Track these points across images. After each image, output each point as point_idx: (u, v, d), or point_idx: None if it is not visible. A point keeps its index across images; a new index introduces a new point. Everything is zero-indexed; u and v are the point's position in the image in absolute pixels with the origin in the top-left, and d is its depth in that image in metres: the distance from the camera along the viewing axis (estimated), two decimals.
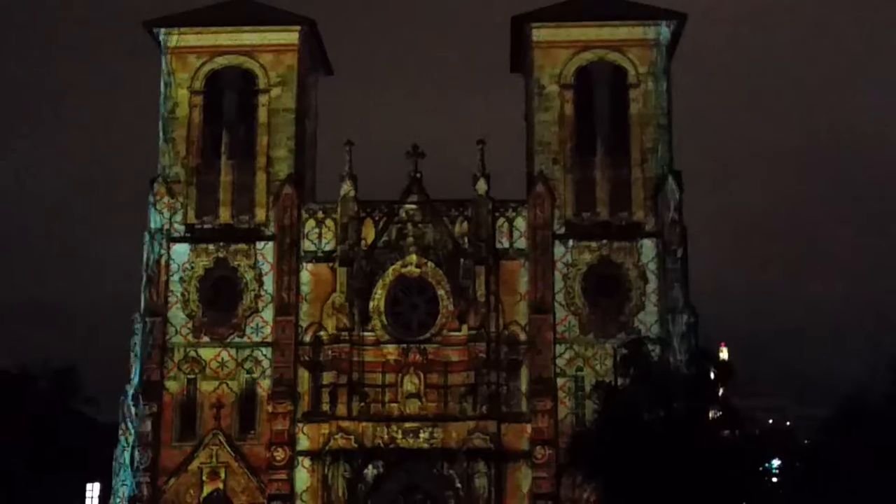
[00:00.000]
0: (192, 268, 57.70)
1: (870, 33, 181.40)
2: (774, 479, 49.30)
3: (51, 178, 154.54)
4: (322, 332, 56.41)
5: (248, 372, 56.71)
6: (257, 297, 57.30)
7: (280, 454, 54.72)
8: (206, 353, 56.86)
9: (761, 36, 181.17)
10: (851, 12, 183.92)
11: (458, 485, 53.69)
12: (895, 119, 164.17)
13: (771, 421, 64.88)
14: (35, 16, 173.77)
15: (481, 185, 57.25)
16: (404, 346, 55.80)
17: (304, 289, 57.11)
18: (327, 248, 57.58)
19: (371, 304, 56.19)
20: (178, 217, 58.28)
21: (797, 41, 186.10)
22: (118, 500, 55.06)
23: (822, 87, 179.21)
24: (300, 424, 55.43)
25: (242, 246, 58.00)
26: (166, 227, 57.83)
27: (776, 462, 49.07)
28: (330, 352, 55.75)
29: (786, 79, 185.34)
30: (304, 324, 56.69)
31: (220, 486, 55.12)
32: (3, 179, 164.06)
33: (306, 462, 55.01)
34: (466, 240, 56.85)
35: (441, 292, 56.38)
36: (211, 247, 58.03)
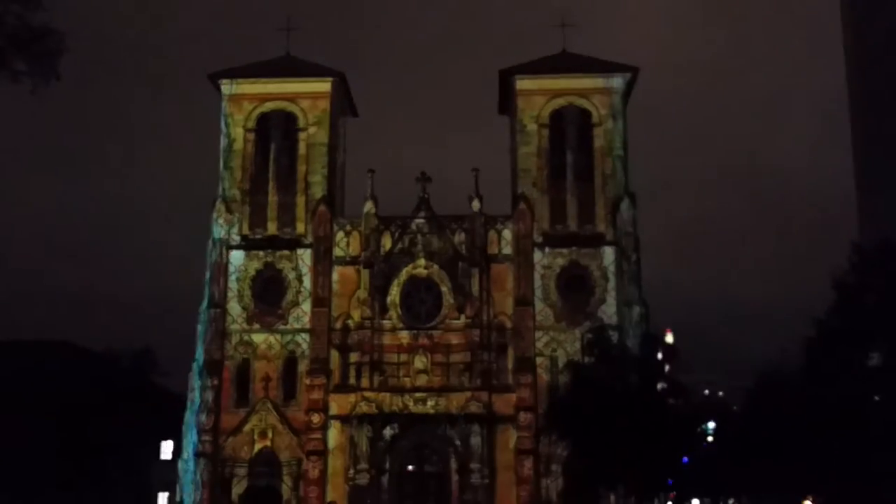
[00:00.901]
0: (246, 269, 57.74)
1: (781, 84, 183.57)
2: (710, 438, 49.38)
3: (137, 193, 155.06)
4: (349, 321, 56.43)
5: (291, 352, 56.73)
6: (298, 293, 57.33)
7: (316, 418, 54.72)
8: (257, 338, 56.87)
9: (703, 82, 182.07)
10: (769, 70, 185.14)
11: (458, 443, 53.67)
12: (798, 152, 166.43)
13: (707, 392, 65.04)
14: (123, 62, 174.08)
15: (475, 204, 57.26)
16: (415, 331, 55.83)
17: (335, 286, 57.11)
18: (353, 253, 57.59)
19: (388, 299, 56.24)
20: (235, 229, 58.35)
21: (727, 89, 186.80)
22: (187, 455, 55.10)
23: (742, 126, 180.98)
24: (332, 394, 55.42)
25: (286, 252, 58.05)
26: (225, 237, 57.91)
27: (711, 424, 49.14)
28: (356, 336, 55.81)
29: (716, 117, 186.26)
30: (335, 314, 56.67)
31: (269, 443, 55.11)
32: (98, 188, 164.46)
33: (337, 424, 54.98)
34: (464, 247, 56.93)
35: (444, 289, 56.42)
36: (261, 253, 58.07)
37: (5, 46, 19.20)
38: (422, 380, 54.99)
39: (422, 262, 56.70)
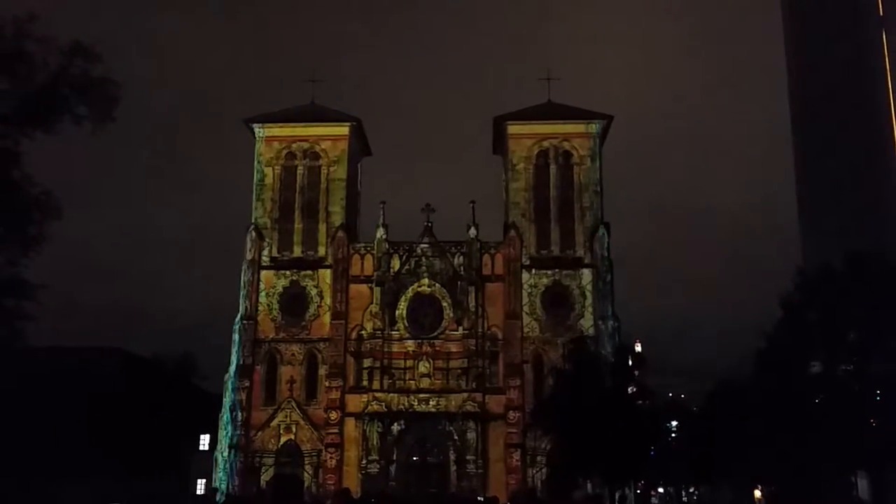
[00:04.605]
0: (275, 287, 57.61)
1: (737, 126, 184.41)
2: (674, 434, 49.03)
3: (172, 220, 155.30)
4: (363, 331, 56.21)
5: (312, 359, 56.50)
6: (319, 307, 57.15)
7: (334, 415, 54.46)
8: (284, 346, 56.66)
9: (671, 125, 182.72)
10: (726, 114, 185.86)
11: (456, 437, 53.42)
12: (750, 187, 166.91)
13: (671, 394, 64.47)
14: (166, 108, 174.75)
15: (472, 232, 57.26)
16: (419, 341, 55.62)
17: (351, 301, 56.94)
18: (367, 273, 57.44)
19: (397, 312, 56.10)
20: (266, 252, 58.28)
21: (691, 131, 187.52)
22: (222, 446, 54.76)
23: (703, 162, 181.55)
24: (347, 395, 55.12)
25: (309, 272, 57.91)
26: (257, 259, 57.85)
27: (674, 422, 48.82)
28: (368, 345, 55.60)
29: (682, 155, 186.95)
30: (350, 325, 56.45)
31: (292, 437, 54.82)
32: (145, 218, 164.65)
33: (351, 421, 54.68)
34: (462, 268, 56.83)
35: (445, 304, 56.28)
36: (287, 272, 57.94)
37: (69, 94, 19.30)
38: (425, 382, 54.76)
39: (426, 281, 56.60)
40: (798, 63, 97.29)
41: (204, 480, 60.67)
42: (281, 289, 57.49)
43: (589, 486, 47.58)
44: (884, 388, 34.00)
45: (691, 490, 64.55)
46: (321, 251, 58.27)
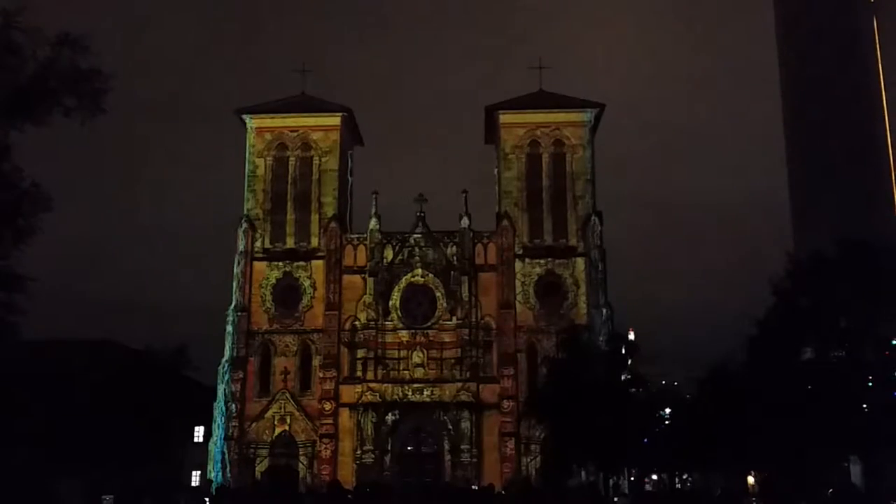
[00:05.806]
0: (268, 278, 57.59)
1: (728, 116, 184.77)
2: (667, 422, 49.12)
3: (172, 212, 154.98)
4: (357, 322, 56.28)
5: (306, 350, 56.54)
6: (312, 298, 57.17)
7: (328, 406, 54.55)
8: (277, 337, 56.67)
9: (652, 119, 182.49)
10: (718, 103, 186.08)
11: (450, 427, 53.53)
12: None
13: (664, 382, 64.53)
14: (158, 100, 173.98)
15: (465, 221, 57.29)
16: (413, 331, 55.72)
17: (344, 292, 56.98)
18: (360, 264, 57.47)
19: (390, 303, 56.13)
20: (258, 243, 58.25)
21: (671, 127, 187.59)
22: (216, 438, 54.80)
23: (697, 151, 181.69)
24: (342, 385, 55.26)
25: (302, 263, 57.92)
26: (249, 250, 57.80)
27: (668, 410, 48.91)
28: (362, 335, 55.65)
29: (675, 144, 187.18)
30: (344, 316, 56.53)
31: (287, 428, 54.94)
32: (138, 210, 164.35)
33: (346, 411, 54.80)
34: (455, 258, 56.86)
35: (438, 294, 56.33)
36: (280, 263, 57.94)
37: (58, 86, 19.18)
38: (419, 373, 54.86)
39: (419, 271, 56.63)
40: (790, 51, 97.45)
41: (199, 472, 60.67)
42: (274, 280, 57.47)
43: (583, 474, 47.78)
44: (875, 374, 34.17)
45: (685, 477, 64.81)
46: (314, 242, 58.22)
